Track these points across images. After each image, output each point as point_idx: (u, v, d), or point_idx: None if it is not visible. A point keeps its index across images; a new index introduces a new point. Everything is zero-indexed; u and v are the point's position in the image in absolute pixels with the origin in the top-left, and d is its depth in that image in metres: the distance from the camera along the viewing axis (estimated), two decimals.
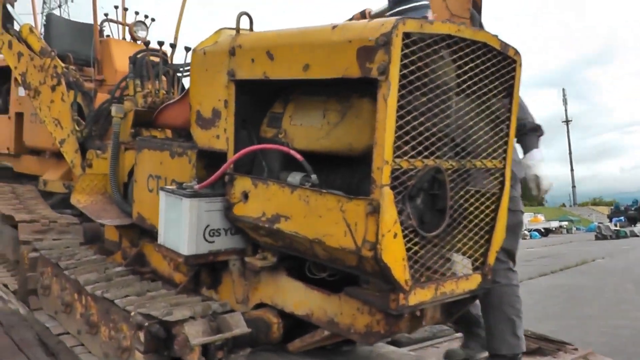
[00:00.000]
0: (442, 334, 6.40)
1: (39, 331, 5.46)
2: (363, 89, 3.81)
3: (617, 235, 49.91)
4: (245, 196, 4.16)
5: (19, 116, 8.44)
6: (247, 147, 4.13)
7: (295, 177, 3.99)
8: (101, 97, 7.41)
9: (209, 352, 3.90)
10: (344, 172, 3.99)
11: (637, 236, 51.72)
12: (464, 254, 4.04)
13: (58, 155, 7.74)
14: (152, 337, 4.11)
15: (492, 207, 4.15)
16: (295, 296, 4.19)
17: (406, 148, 3.43)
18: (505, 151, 4.18)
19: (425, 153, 3.57)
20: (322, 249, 3.70)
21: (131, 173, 6.11)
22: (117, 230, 6.13)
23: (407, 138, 3.42)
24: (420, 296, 3.66)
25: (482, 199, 4.08)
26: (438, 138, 3.67)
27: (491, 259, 4.18)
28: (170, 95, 6.23)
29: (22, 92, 8.39)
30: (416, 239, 3.59)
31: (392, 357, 5.66)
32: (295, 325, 4.45)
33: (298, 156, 3.89)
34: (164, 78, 6.31)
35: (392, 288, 3.51)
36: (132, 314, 4.27)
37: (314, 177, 3.85)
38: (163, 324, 4.11)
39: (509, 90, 4.11)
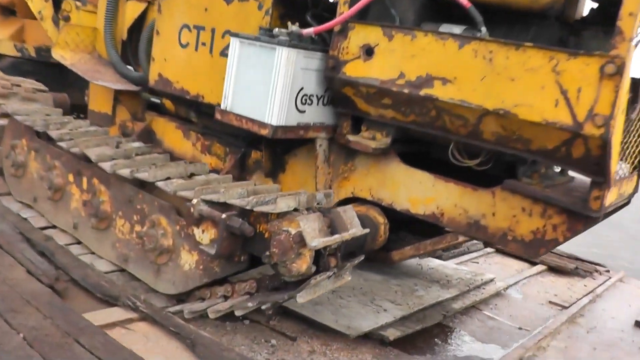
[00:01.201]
0: (475, 249, 5.78)
1: (16, 223, 4.10)
2: None
3: None
4: (369, 52, 3.07)
5: None
6: None
7: (452, 30, 2.95)
8: None
9: (322, 258, 2.90)
10: (504, 30, 3.02)
11: None
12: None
13: (6, 11, 6.02)
14: (230, 235, 3.02)
15: None
16: (417, 190, 3.24)
17: None
18: None
19: None
20: (500, 125, 2.76)
21: (133, 29, 4.70)
22: (110, 99, 4.75)
23: None
24: (611, 196, 2.86)
25: None
26: None
27: None
28: None
29: None
30: None
31: (446, 272, 4.95)
32: None
33: (465, 1, 2.85)
34: None
35: (599, 183, 2.68)
36: (194, 201, 3.12)
37: (484, 30, 2.84)
38: (245, 217, 3.03)
39: None
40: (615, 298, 5.21)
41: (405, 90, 2.94)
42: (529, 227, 2.92)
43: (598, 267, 5.91)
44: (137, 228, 3.64)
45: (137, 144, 4.06)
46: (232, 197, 3.06)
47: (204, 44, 3.84)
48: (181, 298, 3.52)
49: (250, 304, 3.01)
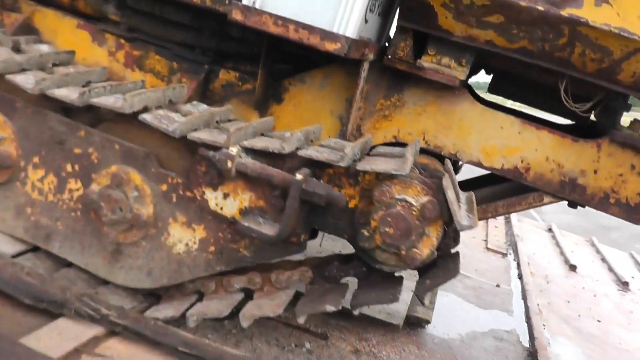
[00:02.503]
0: None
1: None
2: None
3: None
4: None
5: None
6: None
7: None
8: None
9: (446, 238, 2.04)
10: None
11: None
12: None
13: None
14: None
15: None
16: (495, 137, 2.53)
17: None
18: None
19: None
20: None
21: None
22: None
23: None
24: None
25: None
26: None
27: None
28: None
29: None
30: None
31: None
32: None
33: None
34: None
35: None
36: (233, 151, 1.95)
37: None
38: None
39: None
40: (530, 239, 5.22)
41: (540, 7, 2.15)
42: (636, 188, 2.46)
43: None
44: (75, 185, 2.28)
45: (46, 47, 2.56)
46: (292, 144, 1.98)
47: None
48: (154, 292, 2.35)
49: (327, 306, 2.01)
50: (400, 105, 2.62)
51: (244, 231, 2.00)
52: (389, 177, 1.96)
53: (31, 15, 2.95)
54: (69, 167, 2.29)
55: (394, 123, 2.64)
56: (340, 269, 2.16)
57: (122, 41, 2.87)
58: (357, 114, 2.64)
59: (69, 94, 2.14)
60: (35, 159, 2.33)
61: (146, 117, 2.07)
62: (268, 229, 1.97)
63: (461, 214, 1.87)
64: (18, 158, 2.33)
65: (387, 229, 1.92)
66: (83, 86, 2.35)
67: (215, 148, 2.00)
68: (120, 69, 2.88)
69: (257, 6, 2.15)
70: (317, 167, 2.02)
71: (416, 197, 1.93)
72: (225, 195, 2.09)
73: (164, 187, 2.18)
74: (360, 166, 1.90)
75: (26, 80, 2.16)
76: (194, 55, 2.83)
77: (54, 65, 2.44)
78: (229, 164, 1.95)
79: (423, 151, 2.61)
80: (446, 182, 1.93)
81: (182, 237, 2.20)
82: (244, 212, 2.08)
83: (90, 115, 2.34)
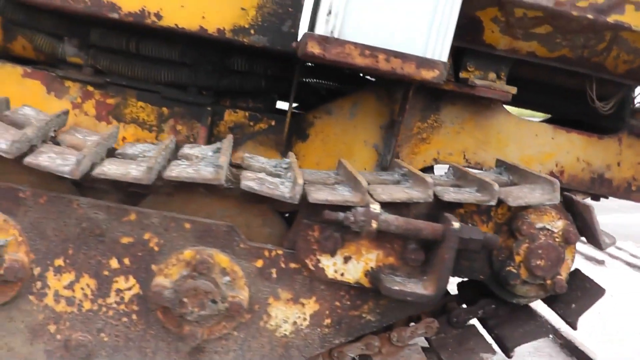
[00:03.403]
0: None
1: None
2: None
3: None
4: None
5: None
6: None
7: None
8: None
9: None
10: None
11: None
12: None
13: None
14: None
15: None
16: (532, 145, 2.57)
17: None
18: None
19: None
20: None
21: None
22: None
23: None
24: None
25: None
26: None
27: None
28: None
29: None
30: None
31: None
32: None
33: None
34: None
35: None
36: (375, 209, 1.63)
37: None
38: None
39: None
40: None
41: (589, 16, 2.18)
42: None
43: None
44: (125, 284, 1.76)
45: (30, 110, 1.93)
46: (422, 189, 1.74)
47: None
48: None
49: (484, 355, 1.83)
50: (438, 126, 2.49)
51: (395, 296, 1.71)
52: (523, 207, 1.84)
53: None
54: (113, 263, 1.76)
55: (432, 145, 2.51)
56: (467, 311, 1.98)
57: (90, 88, 2.33)
58: (393, 140, 2.45)
59: (126, 170, 1.62)
60: (58, 262, 1.75)
61: (252, 185, 1.65)
62: (418, 288, 1.71)
63: (602, 234, 1.83)
64: (30, 265, 1.72)
65: (538, 262, 1.80)
66: (109, 155, 1.83)
67: (344, 208, 1.68)
68: (91, 124, 2.33)
69: (336, 35, 1.85)
70: (446, 209, 1.81)
71: (552, 223, 1.84)
72: (347, 259, 1.78)
73: (259, 264, 1.78)
74: (514, 202, 1.74)
75: (55, 163, 1.58)
76: (189, 96, 2.39)
77: (55, 132, 1.85)
78: (374, 224, 1.64)
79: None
80: (582, 201, 1.87)
81: (288, 316, 1.83)
82: (370, 274, 1.78)
83: (119, 191, 1.82)
